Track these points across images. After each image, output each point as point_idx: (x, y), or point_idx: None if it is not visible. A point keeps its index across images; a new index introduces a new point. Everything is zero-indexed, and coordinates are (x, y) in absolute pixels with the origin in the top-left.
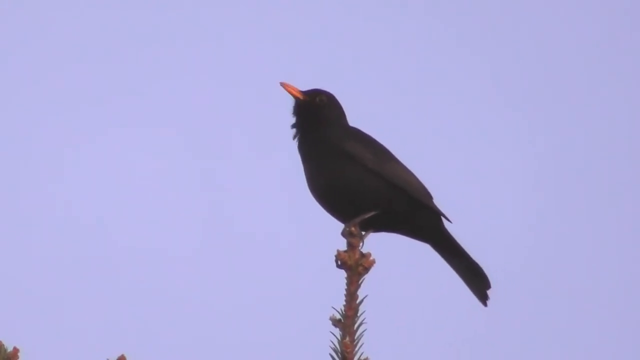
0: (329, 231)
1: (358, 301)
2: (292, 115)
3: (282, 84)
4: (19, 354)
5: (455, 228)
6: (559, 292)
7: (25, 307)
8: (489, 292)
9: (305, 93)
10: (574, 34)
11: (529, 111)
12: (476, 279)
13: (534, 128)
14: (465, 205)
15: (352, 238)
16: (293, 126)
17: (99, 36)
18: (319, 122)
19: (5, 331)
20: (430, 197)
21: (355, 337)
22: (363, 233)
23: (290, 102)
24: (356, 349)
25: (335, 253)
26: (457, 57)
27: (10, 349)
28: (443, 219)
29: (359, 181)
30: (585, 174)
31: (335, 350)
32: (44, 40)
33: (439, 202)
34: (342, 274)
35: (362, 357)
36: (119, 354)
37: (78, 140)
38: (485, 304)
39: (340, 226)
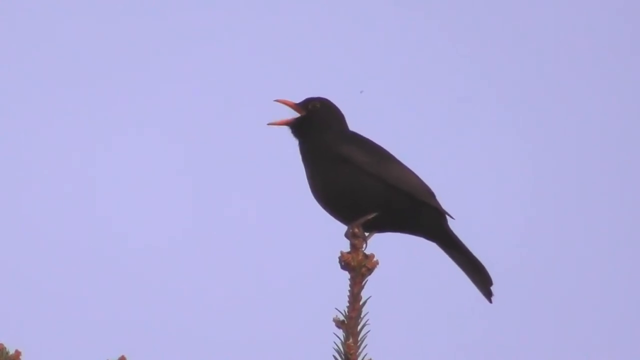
0: (333, 232)
1: (361, 302)
2: (291, 131)
3: (277, 101)
4: (20, 357)
5: (456, 225)
6: (559, 287)
7: (27, 310)
8: (492, 288)
9: (299, 105)
10: (573, 31)
11: (526, 108)
12: (480, 276)
13: (532, 125)
14: (465, 202)
15: (356, 239)
16: (292, 133)
17: (101, 41)
18: (314, 127)
19: (7, 334)
20: (432, 195)
21: (359, 339)
22: (366, 234)
23: (290, 113)
24: (359, 350)
25: (339, 254)
26: (455, 55)
27: (12, 351)
28: (446, 216)
29: (356, 184)
30: (583, 171)
31: (338, 352)
32: (45, 44)
33: (441, 200)
34: (346, 275)
35: (365, 359)
36: (120, 355)
37: (81, 142)
38: (490, 301)
39: (343, 227)
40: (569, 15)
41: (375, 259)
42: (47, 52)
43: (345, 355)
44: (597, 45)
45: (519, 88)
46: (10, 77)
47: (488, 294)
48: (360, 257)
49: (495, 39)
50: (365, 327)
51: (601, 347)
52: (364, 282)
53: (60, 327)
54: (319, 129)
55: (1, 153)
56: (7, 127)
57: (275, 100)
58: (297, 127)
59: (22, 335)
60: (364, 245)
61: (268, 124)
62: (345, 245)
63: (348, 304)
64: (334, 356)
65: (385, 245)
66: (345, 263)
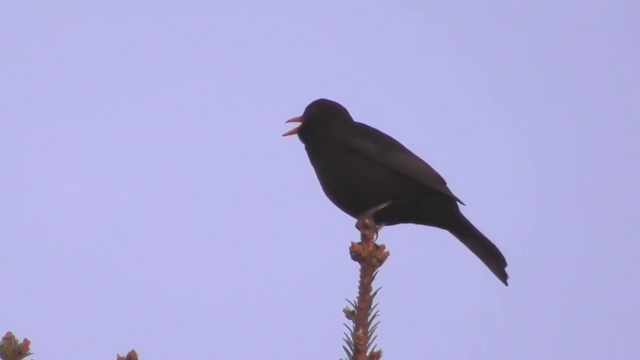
0: (343, 223)
1: (372, 293)
2: (299, 137)
3: (289, 122)
4: (29, 345)
5: (467, 211)
6: (571, 267)
7: (36, 300)
8: (506, 270)
9: (304, 117)
10: (573, 29)
11: (528, 101)
12: (494, 260)
13: (542, 111)
14: (475, 188)
15: (366, 230)
16: (300, 139)
17: (100, 41)
18: (316, 129)
19: (16, 323)
20: (442, 182)
21: (369, 330)
22: (377, 225)
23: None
24: (369, 341)
25: (350, 245)
26: (462, 52)
27: (21, 340)
28: (457, 202)
29: (365, 174)
30: (593, 156)
31: (348, 343)
32: (45, 44)
33: (451, 186)
34: (356, 266)
35: (375, 350)
36: (130, 350)
37: (80, 143)
38: (505, 283)
39: (354, 219)
40: (569, 15)
41: (386, 250)
42: (46, 52)
43: (355, 346)
44: (596, 45)
45: (520, 81)
46: (9, 77)
47: (503, 276)
48: (370, 248)
49: (495, 34)
50: (375, 318)
51: (614, 331)
52: (374, 273)
53: (69, 319)
54: (322, 128)
55: (1, 153)
56: (6, 127)
57: (287, 122)
58: (302, 134)
59: (30, 329)
60: (375, 236)
61: (283, 135)
62: (355, 236)
63: (358, 295)
64: (344, 347)
65: (396, 236)
66: (355, 254)
